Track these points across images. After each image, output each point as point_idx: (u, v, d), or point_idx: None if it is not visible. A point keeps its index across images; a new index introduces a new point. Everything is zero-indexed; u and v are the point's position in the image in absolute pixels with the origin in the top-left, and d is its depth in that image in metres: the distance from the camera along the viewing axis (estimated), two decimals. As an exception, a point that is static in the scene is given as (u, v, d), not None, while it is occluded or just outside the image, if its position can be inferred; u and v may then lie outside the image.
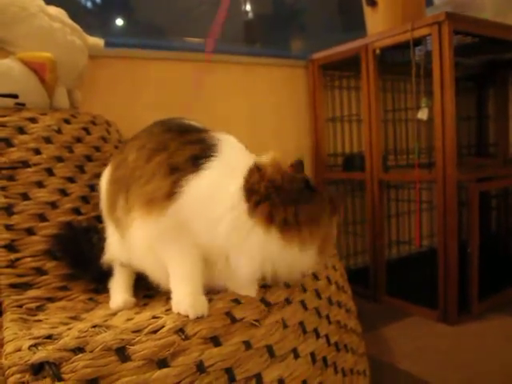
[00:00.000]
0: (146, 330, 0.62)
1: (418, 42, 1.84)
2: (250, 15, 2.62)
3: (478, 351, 1.54)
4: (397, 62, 2.15)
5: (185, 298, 0.70)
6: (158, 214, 0.74)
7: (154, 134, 0.88)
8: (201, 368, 0.63)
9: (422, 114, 1.83)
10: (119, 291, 0.94)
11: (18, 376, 0.54)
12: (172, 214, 0.73)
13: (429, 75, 1.77)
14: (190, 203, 0.73)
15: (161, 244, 0.76)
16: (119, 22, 2.23)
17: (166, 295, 1.02)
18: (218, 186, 0.74)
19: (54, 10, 1.42)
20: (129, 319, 0.78)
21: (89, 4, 2.10)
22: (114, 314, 0.88)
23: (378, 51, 1.95)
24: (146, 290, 0.99)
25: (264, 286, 0.81)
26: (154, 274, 0.85)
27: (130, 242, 0.81)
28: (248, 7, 2.61)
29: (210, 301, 0.73)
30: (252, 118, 2.21)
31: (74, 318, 0.89)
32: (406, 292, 2.04)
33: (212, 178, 0.75)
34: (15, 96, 1.23)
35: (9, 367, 0.56)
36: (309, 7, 2.84)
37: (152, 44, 2.08)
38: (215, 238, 0.73)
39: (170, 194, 0.74)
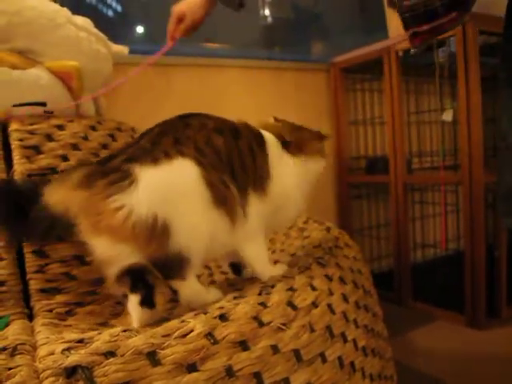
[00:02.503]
0: (176, 334, 0.63)
1: (442, 42, 1.82)
2: (270, 19, 2.63)
3: (507, 357, 1.50)
4: (420, 64, 2.13)
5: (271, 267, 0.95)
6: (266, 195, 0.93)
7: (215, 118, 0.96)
8: (230, 372, 0.63)
9: (447, 116, 1.81)
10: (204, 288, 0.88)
11: (52, 379, 0.55)
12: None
13: (453, 76, 1.75)
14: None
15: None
16: (140, 29, 2.26)
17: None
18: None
19: (80, 19, 1.45)
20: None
21: (110, 12, 2.14)
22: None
23: (400, 53, 1.94)
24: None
25: (290, 289, 0.81)
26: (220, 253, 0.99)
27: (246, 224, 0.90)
28: (267, 12, 2.61)
29: (236, 305, 0.73)
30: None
31: (103, 325, 0.90)
32: (431, 296, 2.01)
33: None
34: (44, 104, 1.26)
35: (43, 370, 0.57)
36: (329, 10, 2.84)
37: (175, 50, 2.10)
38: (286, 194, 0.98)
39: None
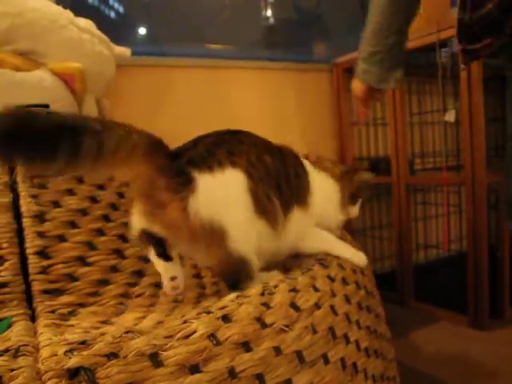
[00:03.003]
0: (178, 336, 0.63)
1: (444, 43, 1.82)
2: (271, 20, 2.63)
3: (510, 357, 1.50)
4: (422, 64, 2.13)
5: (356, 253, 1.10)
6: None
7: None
8: (232, 374, 0.63)
9: (449, 116, 1.81)
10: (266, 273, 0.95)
11: (55, 380, 0.55)
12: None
13: (455, 77, 1.75)
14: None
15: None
16: (142, 30, 2.26)
17: (194, 299, 1.04)
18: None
19: (82, 21, 1.45)
20: (159, 322, 0.79)
21: (112, 14, 2.14)
22: (144, 316, 0.90)
23: (402, 54, 1.94)
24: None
25: (293, 289, 0.81)
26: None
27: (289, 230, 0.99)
28: (269, 12, 2.61)
29: (239, 305, 0.73)
30: (277, 123, 2.22)
31: (105, 322, 0.90)
32: (434, 297, 2.01)
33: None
34: (47, 106, 1.26)
35: (46, 372, 0.57)
36: (331, 10, 2.84)
37: (176, 52, 2.11)
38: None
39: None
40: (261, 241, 0.91)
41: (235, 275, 0.87)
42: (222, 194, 0.85)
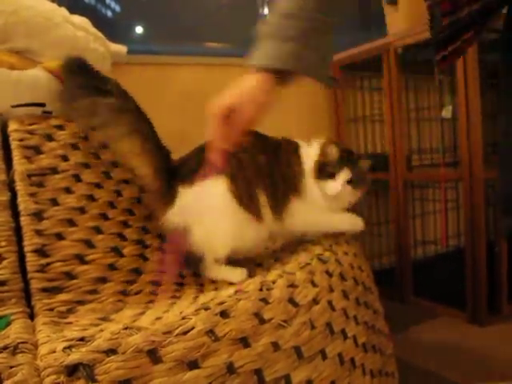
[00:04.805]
0: (177, 332, 0.63)
1: (441, 39, 1.81)
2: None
3: (508, 353, 1.51)
4: (419, 61, 2.13)
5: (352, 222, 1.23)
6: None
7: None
8: (231, 369, 0.64)
9: (447, 113, 1.81)
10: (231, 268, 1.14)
11: (54, 377, 0.55)
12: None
13: (452, 73, 1.75)
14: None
15: None
16: (139, 29, 2.26)
17: (192, 294, 1.04)
18: None
19: (78, 19, 1.45)
20: (158, 318, 0.79)
21: (109, 13, 2.14)
22: (142, 313, 0.90)
23: (400, 51, 1.94)
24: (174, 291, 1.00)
25: (291, 285, 0.82)
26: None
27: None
28: (266, 11, 2.61)
29: (238, 301, 0.73)
30: (274, 120, 2.21)
31: (104, 319, 0.90)
32: (433, 292, 2.01)
33: None
34: (43, 105, 1.26)
35: (44, 368, 0.57)
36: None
37: (174, 50, 2.11)
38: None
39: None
40: (243, 229, 1.14)
41: (194, 263, 1.16)
42: (192, 204, 1.11)
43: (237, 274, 1.09)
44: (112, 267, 1.09)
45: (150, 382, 0.58)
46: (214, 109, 0.84)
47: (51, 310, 0.95)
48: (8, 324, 0.85)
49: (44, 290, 0.99)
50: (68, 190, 1.14)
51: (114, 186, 1.22)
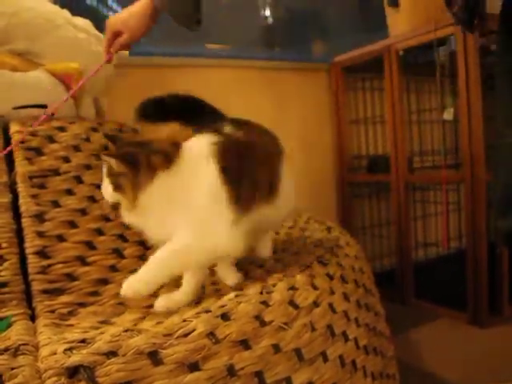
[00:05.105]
0: (177, 334, 0.63)
1: (442, 41, 1.82)
2: (270, 20, 2.63)
3: (509, 354, 1.50)
4: (420, 63, 2.13)
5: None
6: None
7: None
8: (231, 371, 0.64)
9: (448, 115, 1.81)
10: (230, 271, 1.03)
11: (55, 379, 0.55)
12: None
13: (453, 75, 1.75)
14: None
15: None
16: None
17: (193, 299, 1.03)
18: None
19: (80, 21, 1.45)
20: (159, 322, 0.79)
21: (111, 14, 2.14)
22: (143, 317, 0.90)
23: (401, 52, 1.94)
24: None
25: (292, 287, 0.82)
26: None
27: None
28: (267, 12, 2.62)
29: (238, 303, 0.73)
30: (276, 122, 2.20)
31: (104, 322, 0.90)
32: (434, 294, 2.01)
33: None
34: (44, 106, 1.26)
35: (45, 370, 0.57)
36: (329, 9, 2.84)
37: (174, 52, 2.11)
38: None
39: None
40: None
41: None
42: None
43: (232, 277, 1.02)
44: (113, 269, 1.09)
45: (150, 384, 0.58)
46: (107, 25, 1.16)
47: (52, 311, 0.95)
48: (9, 326, 0.85)
49: (45, 291, 0.99)
50: (69, 192, 1.14)
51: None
